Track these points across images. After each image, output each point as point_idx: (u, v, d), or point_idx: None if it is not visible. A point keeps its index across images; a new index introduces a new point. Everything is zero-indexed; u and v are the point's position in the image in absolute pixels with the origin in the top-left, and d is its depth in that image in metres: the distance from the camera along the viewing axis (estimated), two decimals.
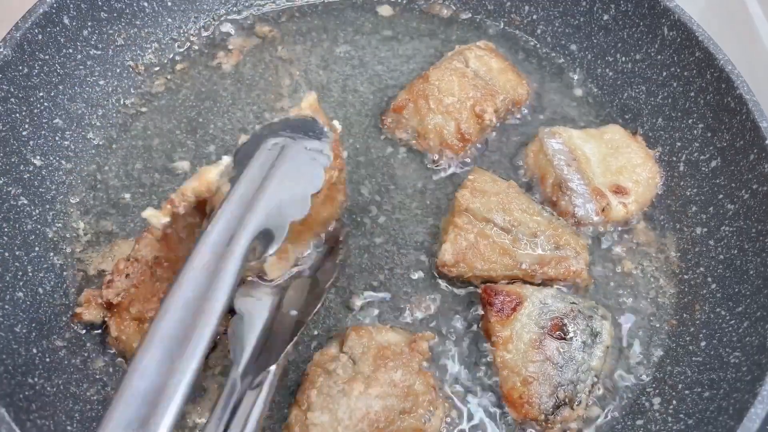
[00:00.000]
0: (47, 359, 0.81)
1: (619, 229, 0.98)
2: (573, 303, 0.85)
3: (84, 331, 0.86)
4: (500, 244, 0.88)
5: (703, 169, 0.98)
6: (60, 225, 0.93)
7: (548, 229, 0.90)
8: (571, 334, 0.82)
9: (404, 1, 1.20)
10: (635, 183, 0.98)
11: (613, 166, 0.98)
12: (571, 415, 0.80)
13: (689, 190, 0.99)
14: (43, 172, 0.94)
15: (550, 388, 0.80)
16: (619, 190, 0.96)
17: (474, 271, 0.88)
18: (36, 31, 0.92)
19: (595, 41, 1.12)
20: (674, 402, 0.84)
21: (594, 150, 1.00)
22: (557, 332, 0.82)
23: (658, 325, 0.92)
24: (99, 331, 0.86)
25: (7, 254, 0.85)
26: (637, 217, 0.99)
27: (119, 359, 0.85)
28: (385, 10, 1.19)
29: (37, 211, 0.91)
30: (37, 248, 0.89)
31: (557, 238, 0.89)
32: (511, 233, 0.89)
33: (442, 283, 0.92)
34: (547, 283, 0.89)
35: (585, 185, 0.95)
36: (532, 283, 0.88)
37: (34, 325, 0.83)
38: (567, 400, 0.80)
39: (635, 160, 0.99)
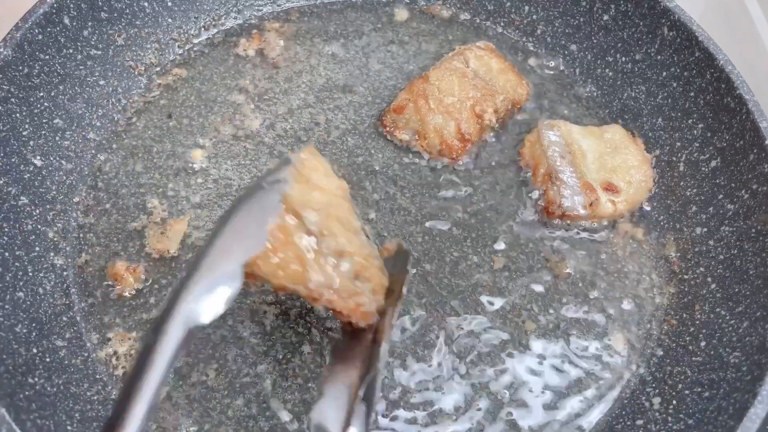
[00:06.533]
0: (47, 359, 0.81)
1: (619, 228, 0.98)
2: None
3: (84, 331, 0.86)
4: (298, 248, 0.69)
5: (703, 169, 0.98)
6: (60, 225, 0.93)
7: (357, 255, 0.73)
8: None
9: (408, 2, 1.21)
10: (627, 183, 0.98)
11: (609, 164, 0.99)
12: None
13: (689, 190, 0.99)
14: (44, 172, 0.94)
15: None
16: (610, 188, 0.97)
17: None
18: (36, 31, 0.92)
19: (595, 41, 1.12)
20: (674, 402, 0.84)
21: (591, 146, 1.00)
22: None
23: (657, 325, 0.92)
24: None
25: (7, 254, 0.85)
26: (637, 217, 0.99)
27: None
28: (400, 15, 1.19)
29: (37, 211, 0.91)
30: (37, 248, 0.89)
31: (362, 269, 0.73)
32: (316, 241, 0.71)
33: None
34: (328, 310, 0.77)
35: (576, 178, 0.96)
36: (312, 302, 0.73)
37: (34, 325, 0.83)
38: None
39: (631, 161, 1.00)
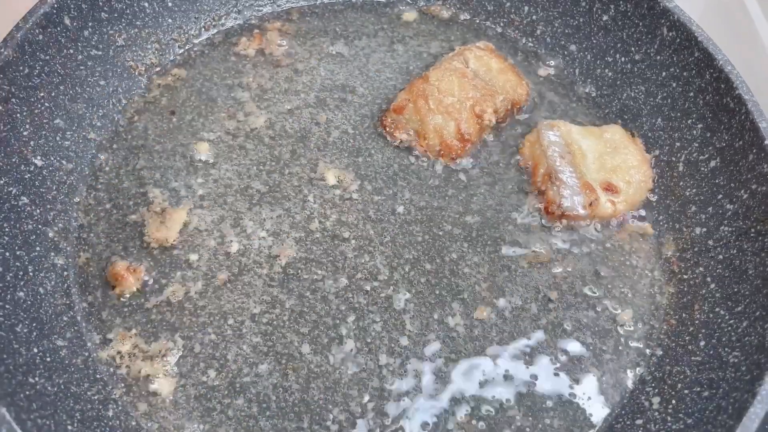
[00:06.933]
0: (48, 359, 0.81)
1: (618, 228, 0.99)
2: None
3: (85, 330, 0.86)
4: None
5: (703, 169, 0.98)
6: (61, 225, 0.93)
7: None
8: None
9: (409, 2, 1.21)
10: (627, 183, 0.98)
11: (608, 164, 0.99)
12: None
13: (688, 190, 0.99)
14: (44, 173, 0.94)
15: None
16: (609, 188, 0.97)
17: None
18: (37, 31, 0.93)
19: (594, 41, 1.12)
20: (673, 401, 0.84)
21: (591, 146, 1.00)
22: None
23: (657, 325, 0.92)
24: None
25: (7, 254, 0.85)
26: (636, 216, 0.99)
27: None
28: (407, 16, 1.19)
29: (38, 211, 0.91)
30: (38, 248, 0.89)
31: None
32: None
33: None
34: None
35: (576, 178, 0.97)
36: None
37: (35, 324, 0.83)
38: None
39: (631, 161, 1.00)
